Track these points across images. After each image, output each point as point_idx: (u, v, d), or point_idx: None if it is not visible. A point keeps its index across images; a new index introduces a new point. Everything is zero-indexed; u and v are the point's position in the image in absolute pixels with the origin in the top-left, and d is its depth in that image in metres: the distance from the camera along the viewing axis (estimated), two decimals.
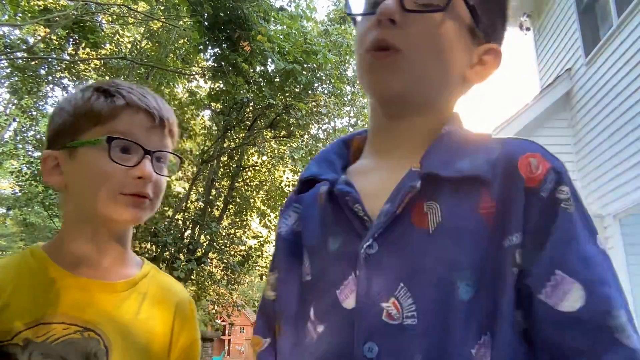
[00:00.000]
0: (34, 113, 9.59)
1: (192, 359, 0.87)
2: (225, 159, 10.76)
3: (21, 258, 0.80)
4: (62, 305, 0.74)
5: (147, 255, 9.65)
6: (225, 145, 10.33)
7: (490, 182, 0.52)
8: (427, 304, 0.49)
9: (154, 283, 0.86)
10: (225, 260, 9.93)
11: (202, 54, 8.67)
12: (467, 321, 0.48)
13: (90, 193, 0.78)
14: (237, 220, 11.03)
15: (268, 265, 12.55)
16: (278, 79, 8.13)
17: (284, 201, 0.71)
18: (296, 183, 0.75)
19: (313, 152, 9.23)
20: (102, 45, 8.93)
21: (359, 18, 0.63)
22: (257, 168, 11.36)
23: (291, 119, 8.88)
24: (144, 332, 0.79)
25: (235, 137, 10.46)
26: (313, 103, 8.87)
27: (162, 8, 8.41)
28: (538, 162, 0.52)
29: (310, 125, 9.71)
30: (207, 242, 9.73)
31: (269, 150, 10.09)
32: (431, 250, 0.51)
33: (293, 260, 0.62)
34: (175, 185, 11.59)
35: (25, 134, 10.15)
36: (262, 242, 11.14)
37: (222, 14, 6.68)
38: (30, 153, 10.04)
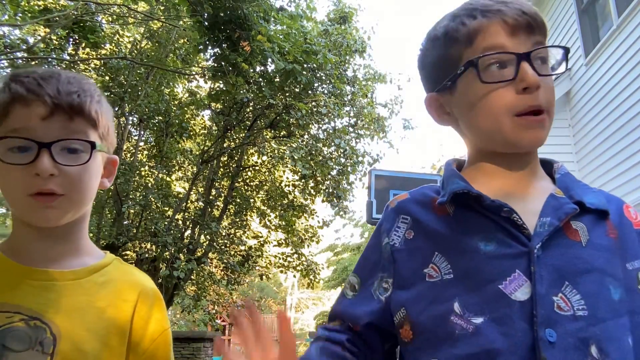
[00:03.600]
0: None
1: (163, 348, 0.85)
2: (225, 159, 10.76)
3: None
4: (5, 295, 0.73)
5: (147, 255, 9.65)
6: (225, 145, 10.33)
7: (610, 215, 0.69)
8: (593, 299, 0.61)
9: (115, 272, 0.84)
10: (225, 260, 9.93)
11: (202, 54, 8.67)
12: (620, 317, 0.62)
13: (4, 197, 0.76)
14: (237, 220, 11.03)
15: (268, 266, 12.54)
16: (278, 79, 8.13)
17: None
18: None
19: (313, 152, 9.23)
20: (102, 45, 8.93)
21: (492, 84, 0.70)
22: (257, 168, 11.36)
23: (291, 119, 8.88)
24: (102, 321, 0.77)
25: (235, 137, 10.46)
26: (313, 103, 8.87)
27: (162, 8, 8.41)
28: (634, 212, 0.73)
29: (310, 125, 9.70)
30: (207, 242, 9.73)
31: (269, 150, 10.09)
32: (587, 258, 0.64)
33: (417, 267, 0.70)
34: (175, 185, 11.60)
35: None
36: (262, 242, 11.14)
37: (222, 14, 6.68)
38: None
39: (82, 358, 0.74)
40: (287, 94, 8.70)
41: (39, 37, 8.25)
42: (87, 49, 8.79)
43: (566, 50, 0.71)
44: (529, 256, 0.63)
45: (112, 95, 9.16)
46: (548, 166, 0.78)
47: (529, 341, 0.59)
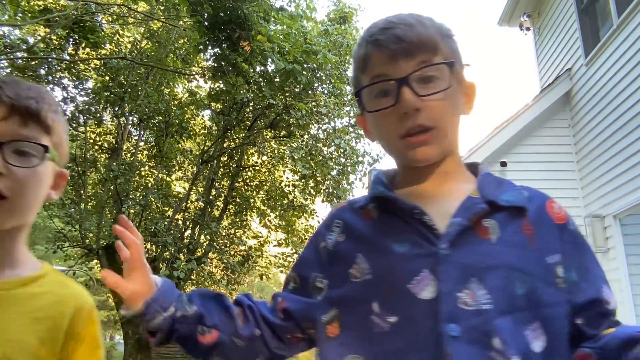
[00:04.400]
0: None
1: None
2: (225, 159, 10.75)
3: None
4: None
5: (147, 255, 9.62)
6: (225, 145, 10.32)
7: (528, 211, 0.72)
8: (498, 293, 0.65)
9: (50, 285, 0.82)
10: (225, 260, 9.93)
11: (202, 54, 8.67)
12: (522, 310, 0.65)
13: None
14: (237, 220, 11.03)
15: (268, 266, 12.54)
16: (278, 79, 8.13)
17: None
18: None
19: (313, 152, 9.23)
20: (102, 45, 8.93)
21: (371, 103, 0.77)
22: (257, 168, 11.36)
23: (291, 119, 8.88)
24: (33, 333, 0.77)
25: (235, 137, 10.46)
26: (313, 103, 8.86)
27: (162, 8, 8.41)
28: (558, 207, 0.76)
29: (310, 125, 9.70)
30: (207, 242, 9.73)
31: (269, 150, 10.08)
32: (495, 255, 0.67)
33: (343, 267, 0.74)
34: (175, 185, 11.60)
35: None
36: (262, 242, 11.14)
37: (222, 14, 6.68)
38: None
39: None
40: (287, 94, 8.69)
41: (39, 37, 8.24)
42: (87, 49, 8.78)
43: (449, 65, 0.74)
44: (436, 256, 0.66)
45: (112, 95, 9.16)
46: (474, 169, 0.83)
47: (434, 337, 0.62)
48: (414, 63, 0.72)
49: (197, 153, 10.54)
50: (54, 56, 8.23)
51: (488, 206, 0.70)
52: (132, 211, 9.60)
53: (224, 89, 8.33)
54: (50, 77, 8.96)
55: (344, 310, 0.72)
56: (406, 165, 0.79)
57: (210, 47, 7.42)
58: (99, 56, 9.27)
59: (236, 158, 10.59)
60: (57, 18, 7.02)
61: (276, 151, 10.31)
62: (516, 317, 0.64)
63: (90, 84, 9.82)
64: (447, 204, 0.72)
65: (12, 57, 7.38)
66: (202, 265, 9.32)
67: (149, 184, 10.25)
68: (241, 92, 8.01)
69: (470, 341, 0.62)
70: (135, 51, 9.89)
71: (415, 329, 0.64)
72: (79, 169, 9.58)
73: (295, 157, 8.33)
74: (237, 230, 11.12)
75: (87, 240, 9.57)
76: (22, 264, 0.82)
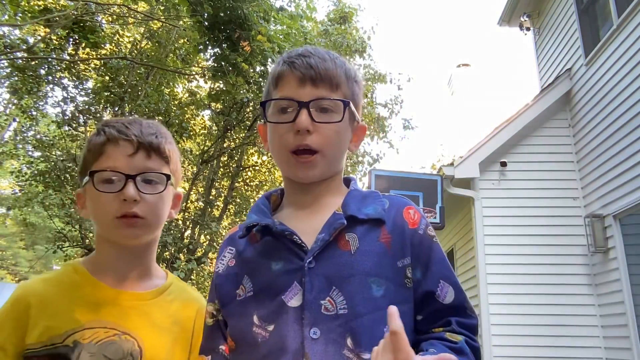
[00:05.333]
0: (34, 113, 9.58)
1: None
2: (225, 159, 10.75)
3: (64, 272, 0.95)
4: (103, 313, 0.89)
5: None
6: (225, 145, 10.32)
7: (386, 222, 0.82)
8: (353, 299, 0.74)
9: (177, 292, 1.00)
10: None
11: (202, 54, 8.67)
12: (378, 310, 0.74)
13: (95, 220, 0.95)
14: (237, 220, 11.02)
15: None
16: None
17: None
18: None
19: None
20: (102, 45, 8.93)
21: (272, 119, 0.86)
22: (257, 168, 11.36)
23: None
24: (172, 334, 0.93)
25: (235, 137, 10.46)
26: None
27: (162, 8, 8.41)
28: (414, 213, 0.85)
29: None
30: (207, 242, 9.73)
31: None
32: (353, 264, 0.77)
33: (231, 289, 0.83)
34: None
35: (25, 134, 10.14)
36: None
37: (222, 14, 6.68)
38: (30, 153, 10.04)
39: None
40: None
41: (39, 37, 8.25)
42: (87, 49, 8.77)
43: (345, 103, 0.84)
44: (303, 270, 0.76)
45: (112, 95, 9.16)
46: (348, 183, 0.93)
47: (299, 339, 0.72)
48: (317, 92, 0.82)
49: (197, 153, 10.53)
50: (54, 56, 8.23)
51: (347, 221, 0.80)
52: None
53: (224, 89, 8.33)
54: (50, 77, 8.96)
55: (232, 326, 0.82)
56: (288, 178, 0.89)
57: (210, 47, 7.42)
58: (99, 56, 9.27)
59: (236, 158, 10.59)
60: (57, 18, 7.02)
61: None
62: (375, 317, 0.73)
63: (90, 84, 9.82)
64: (316, 220, 0.82)
65: (12, 57, 7.39)
66: (202, 265, 9.32)
67: None
68: (241, 92, 8.01)
69: (328, 342, 0.72)
70: (135, 51, 9.89)
71: (285, 333, 0.73)
72: (79, 169, 9.57)
73: None
74: None
75: (87, 240, 9.57)
76: (155, 274, 1.00)
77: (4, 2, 6.30)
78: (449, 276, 0.82)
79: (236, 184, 10.63)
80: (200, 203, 10.17)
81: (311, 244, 0.78)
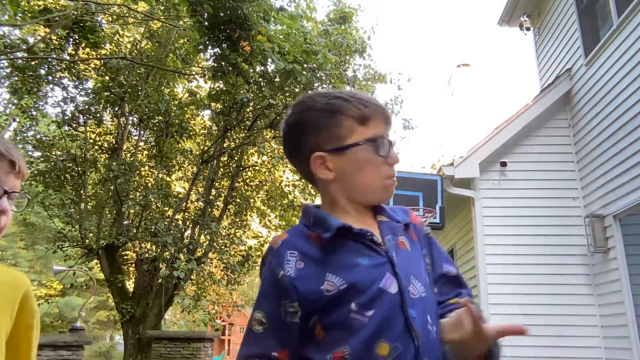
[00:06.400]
0: (34, 113, 9.58)
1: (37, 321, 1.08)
2: (225, 159, 10.75)
3: None
4: None
5: (147, 255, 9.65)
6: (225, 145, 10.32)
7: (410, 225, 1.05)
8: (425, 285, 0.95)
9: None
10: (225, 260, 9.92)
11: (202, 54, 8.66)
12: (432, 292, 0.97)
13: None
14: (237, 220, 11.03)
15: None
16: (278, 79, 8.13)
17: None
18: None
19: None
20: (102, 45, 8.93)
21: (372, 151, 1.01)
22: (257, 168, 11.36)
23: None
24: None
25: (235, 137, 10.46)
26: None
27: (162, 8, 8.41)
28: (416, 215, 1.10)
29: None
30: (207, 242, 9.73)
31: (269, 150, 10.08)
32: (414, 259, 0.98)
33: (315, 287, 0.92)
34: (175, 185, 11.59)
35: (25, 134, 10.14)
36: (262, 242, 11.13)
37: (222, 14, 6.68)
38: (30, 153, 10.04)
39: None
40: (287, 94, 8.69)
41: (39, 37, 8.24)
42: (87, 49, 8.78)
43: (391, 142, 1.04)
44: (391, 263, 0.93)
45: (112, 95, 9.15)
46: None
47: (402, 320, 0.88)
48: (390, 131, 1.04)
49: (197, 153, 10.53)
50: (54, 56, 8.22)
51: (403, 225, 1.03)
52: (132, 211, 9.61)
53: (224, 89, 8.33)
54: (50, 77, 8.96)
55: (325, 317, 0.90)
56: (356, 200, 1.03)
57: (210, 47, 7.42)
58: (99, 56, 9.27)
59: (236, 158, 10.59)
60: (57, 18, 7.02)
61: (276, 151, 10.31)
62: (433, 299, 0.96)
63: (90, 84, 9.82)
64: (366, 226, 0.99)
65: (12, 57, 7.39)
66: (202, 265, 9.31)
67: (149, 184, 10.25)
68: (241, 92, 8.01)
69: (420, 320, 0.89)
70: (135, 51, 9.89)
71: (389, 316, 0.88)
72: (79, 169, 9.58)
73: None
74: (237, 230, 11.12)
75: (87, 240, 9.57)
76: None
77: (4, 2, 6.30)
78: (448, 258, 1.08)
79: (236, 184, 10.63)
80: (200, 203, 10.17)
81: (384, 244, 0.97)
